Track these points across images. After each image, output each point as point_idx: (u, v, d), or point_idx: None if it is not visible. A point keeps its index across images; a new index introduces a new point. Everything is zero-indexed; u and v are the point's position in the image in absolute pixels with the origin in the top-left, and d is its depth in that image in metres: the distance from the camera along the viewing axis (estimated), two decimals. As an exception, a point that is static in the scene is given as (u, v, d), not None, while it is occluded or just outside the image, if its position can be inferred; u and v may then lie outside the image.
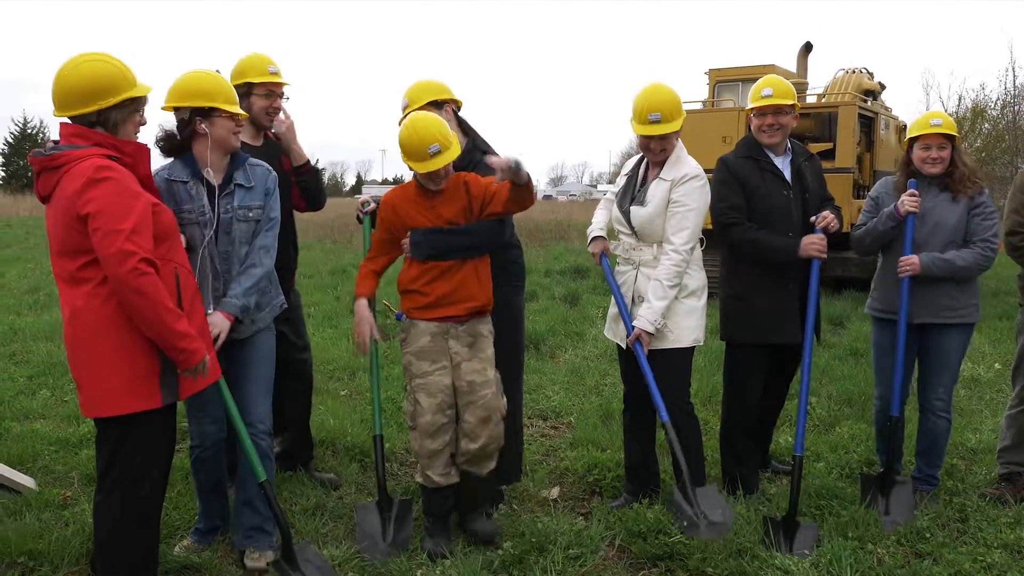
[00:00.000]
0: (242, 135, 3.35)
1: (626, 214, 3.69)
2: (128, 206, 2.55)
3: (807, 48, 12.60)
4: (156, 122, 3.13)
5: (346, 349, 7.04)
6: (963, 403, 5.63)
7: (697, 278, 3.65)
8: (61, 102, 2.64)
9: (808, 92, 12.07)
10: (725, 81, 11.88)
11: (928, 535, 3.43)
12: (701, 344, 3.71)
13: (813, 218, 3.74)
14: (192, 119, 3.07)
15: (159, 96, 3.05)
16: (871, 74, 12.21)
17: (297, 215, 4.06)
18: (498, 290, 3.51)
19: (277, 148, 3.86)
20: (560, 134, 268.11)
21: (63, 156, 2.60)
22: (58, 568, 3.14)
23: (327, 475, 4.14)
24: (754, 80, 4.04)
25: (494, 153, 3.68)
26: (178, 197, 3.09)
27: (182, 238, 3.01)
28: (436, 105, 3.59)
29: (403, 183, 3.70)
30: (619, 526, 3.51)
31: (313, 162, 4.10)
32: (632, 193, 3.72)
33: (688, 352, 3.67)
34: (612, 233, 3.86)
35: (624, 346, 3.73)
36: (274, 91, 3.78)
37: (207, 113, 3.06)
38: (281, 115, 3.83)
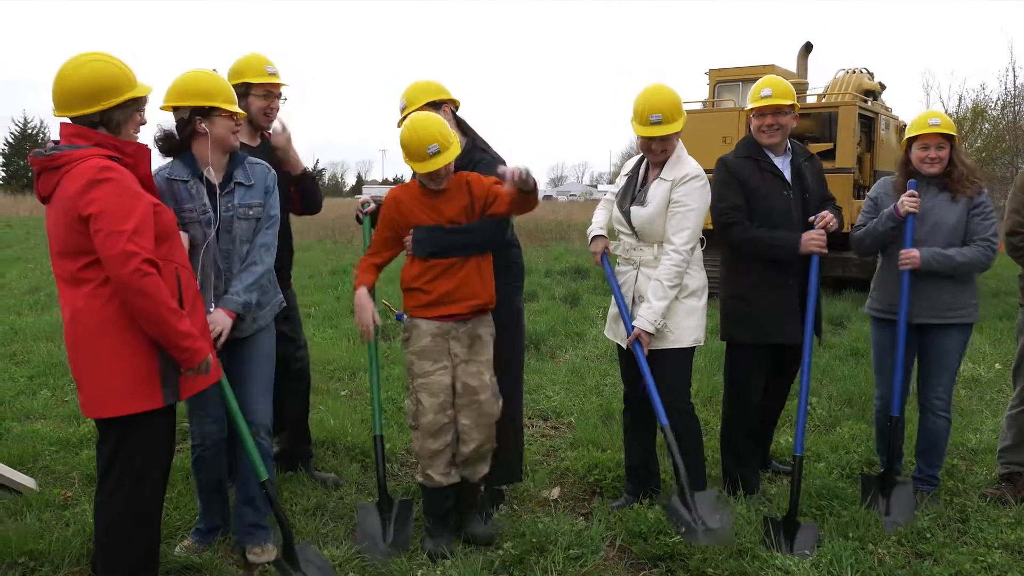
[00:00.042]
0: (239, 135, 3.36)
1: (626, 214, 3.69)
2: (130, 207, 2.55)
3: (807, 48, 12.60)
4: (154, 122, 3.14)
5: (346, 349, 7.04)
6: (963, 403, 5.63)
7: (697, 278, 3.65)
8: (62, 102, 2.64)
9: (808, 92, 12.08)
10: (725, 81, 11.89)
11: (929, 535, 3.43)
12: (701, 344, 3.71)
13: (812, 218, 3.74)
14: (192, 118, 3.07)
15: (157, 96, 3.06)
16: (871, 74, 12.21)
17: (293, 216, 4.07)
18: (498, 290, 3.51)
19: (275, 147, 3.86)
20: (560, 134, 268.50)
21: (64, 156, 2.59)
22: (59, 568, 3.14)
23: (327, 474, 4.15)
24: (754, 80, 4.04)
25: (494, 152, 3.69)
26: (179, 196, 3.10)
27: (185, 237, 3.02)
28: (434, 106, 3.59)
29: (403, 182, 3.71)
30: (620, 526, 3.51)
31: (313, 163, 4.16)
32: (632, 193, 3.72)
33: (688, 352, 3.67)
34: (612, 233, 3.86)
35: (624, 346, 3.73)
36: (272, 92, 3.79)
37: (207, 112, 3.07)
38: (277, 125, 3.81)
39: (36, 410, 5.24)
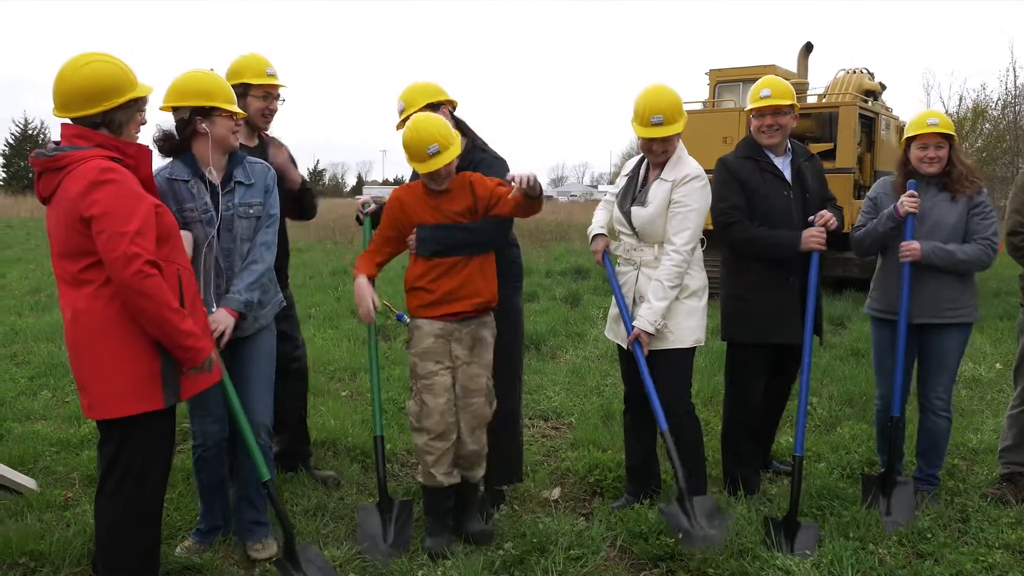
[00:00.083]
0: None
1: (627, 215, 3.69)
2: (132, 208, 2.55)
3: (808, 48, 12.61)
4: (153, 122, 3.14)
5: (347, 350, 7.04)
6: (964, 403, 5.63)
7: (698, 278, 3.65)
8: (64, 103, 2.64)
9: (809, 92, 12.08)
10: (726, 81, 11.89)
11: (929, 535, 3.43)
12: (702, 344, 3.71)
13: (811, 218, 3.74)
14: (192, 119, 3.08)
15: (156, 96, 3.06)
16: (872, 74, 12.21)
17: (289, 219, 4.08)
18: (499, 289, 3.52)
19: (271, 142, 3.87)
20: (561, 134, 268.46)
21: (65, 157, 2.59)
22: (59, 569, 3.14)
23: (327, 473, 4.15)
24: (755, 80, 4.04)
25: (493, 151, 3.70)
26: (180, 196, 3.10)
27: (189, 235, 3.02)
28: (432, 107, 3.60)
29: (405, 182, 3.72)
30: (620, 527, 3.51)
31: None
32: (633, 194, 3.72)
33: (689, 352, 3.66)
34: (613, 233, 3.86)
35: (625, 346, 3.73)
36: (271, 93, 3.80)
37: (207, 112, 3.08)
38: (273, 126, 3.82)
39: (37, 411, 5.24)
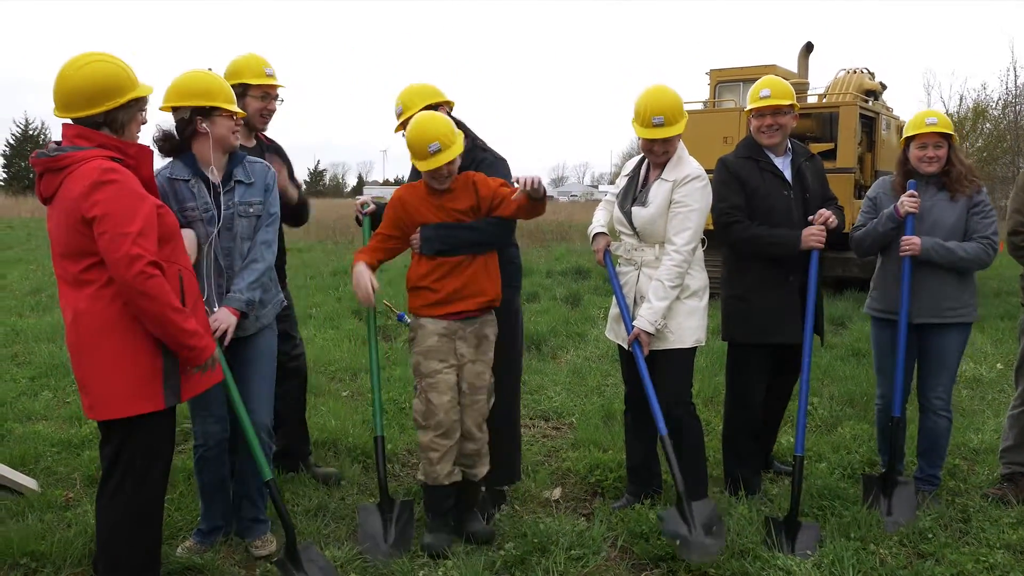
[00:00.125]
0: None
1: (628, 215, 3.69)
2: (134, 209, 2.55)
3: (808, 48, 12.61)
4: (152, 122, 3.14)
5: (348, 350, 7.05)
6: (965, 403, 5.63)
7: (699, 278, 3.65)
8: (65, 103, 2.64)
9: (809, 92, 12.09)
10: (726, 81, 11.90)
11: (930, 536, 3.43)
12: (703, 344, 3.71)
13: (811, 217, 3.74)
14: (193, 118, 3.08)
15: (156, 96, 3.06)
16: (872, 74, 12.21)
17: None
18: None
19: (269, 149, 3.88)
20: (561, 134, 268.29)
21: (67, 158, 2.59)
22: (60, 569, 3.14)
23: (328, 470, 4.16)
24: (755, 80, 4.04)
25: (494, 151, 3.71)
26: (180, 195, 3.11)
27: (192, 234, 3.02)
28: (431, 109, 3.60)
29: (406, 182, 3.72)
30: (621, 527, 3.51)
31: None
32: (634, 194, 3.72)
33: (690, 352, 3.66)
34: (613, 233, 3.86)
35: (625, 346, 3.73)
36: (269, 93, 3.80)
37: (207, 112, 3.08)
38: (272, 126, 3.83)
39: (38, 411, 5.25)
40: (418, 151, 3.27)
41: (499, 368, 3.54)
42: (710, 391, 5.62)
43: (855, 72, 11.98)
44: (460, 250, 3.36)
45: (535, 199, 3.21)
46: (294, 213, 4.01)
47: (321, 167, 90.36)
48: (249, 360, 3.28)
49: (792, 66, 12.32)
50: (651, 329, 3.52)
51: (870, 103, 11.35)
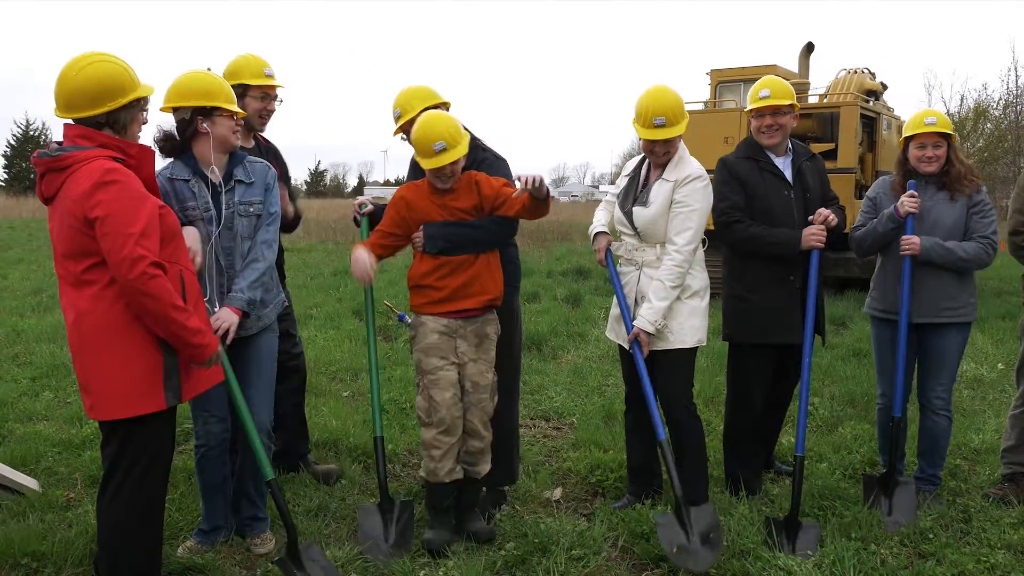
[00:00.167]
0: None
1: (628, 215, 3.69)
2: (136, 209, 2.56)
3: (809, 48, 12.60)
4: (152, 123, 3.15)
5: (348, 350, 7.05)
6: (966, 403, 5.63)
7: (700, 278, 3.65)
8: (67, 104, 2.64)
9: (810, 92, 12.08)
10: (727, 81, 11.90)
11: (931, 536, 3.43)
12: (704, 345, 3.71)
13: (811, 217, 3.74)
14: (193, 119, 3.09)
15: (156, 97, 3.07)
16: (873, 74, 12.21)
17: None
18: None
19: (267, 151, 3.89)
20: (562, 135, 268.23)
21: (69, 158, 2.59)
22: (61, 569, 3.14)
23: (328, 467, 4.16)
24: (756, 80, 4.04)
25: (494, 151, 3.71)
26: (181, 195, 3.12)
27: (195, 232, 3.03)
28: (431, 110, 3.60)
29: (407, 182, 3.72)
30: (622, 527, 3.51)
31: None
32: (634, 194, 3.72)
33: (691, 352, 3.66)
34: (614, 233, 3.86)
35: (626, 346, 3.73)
36: (269, 93, 3.81)
37: (208, 112, 3.08)
38: (271, 127, 3.84)
39: (39, 412, 5.25)
40: (424, 149, 3.28)
41: (499, 368, 3.55)
42: (711, 391, 5.61)
43: (856, 72, 11.97)
44: (463, 249, 3.37)
45: (537, 199, 3.21)
46: (285, 224, 4.02)
47: (322, 167, 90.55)
48: (249, 360, 3.28)
49: (793, 66, 12.32)
50: (651, 329, 3.52)
51: (871, 103, 11.35)
